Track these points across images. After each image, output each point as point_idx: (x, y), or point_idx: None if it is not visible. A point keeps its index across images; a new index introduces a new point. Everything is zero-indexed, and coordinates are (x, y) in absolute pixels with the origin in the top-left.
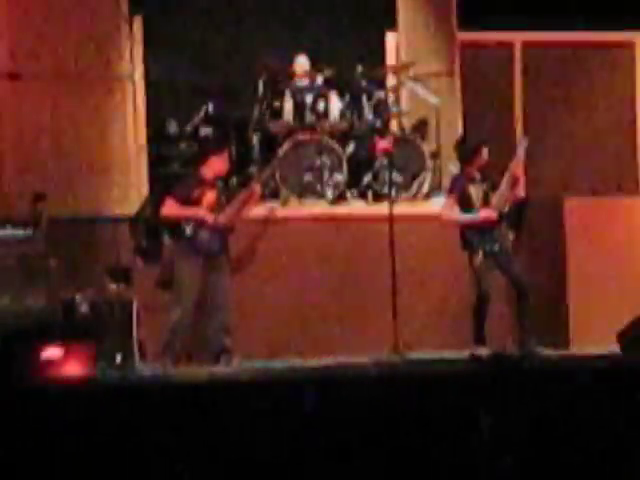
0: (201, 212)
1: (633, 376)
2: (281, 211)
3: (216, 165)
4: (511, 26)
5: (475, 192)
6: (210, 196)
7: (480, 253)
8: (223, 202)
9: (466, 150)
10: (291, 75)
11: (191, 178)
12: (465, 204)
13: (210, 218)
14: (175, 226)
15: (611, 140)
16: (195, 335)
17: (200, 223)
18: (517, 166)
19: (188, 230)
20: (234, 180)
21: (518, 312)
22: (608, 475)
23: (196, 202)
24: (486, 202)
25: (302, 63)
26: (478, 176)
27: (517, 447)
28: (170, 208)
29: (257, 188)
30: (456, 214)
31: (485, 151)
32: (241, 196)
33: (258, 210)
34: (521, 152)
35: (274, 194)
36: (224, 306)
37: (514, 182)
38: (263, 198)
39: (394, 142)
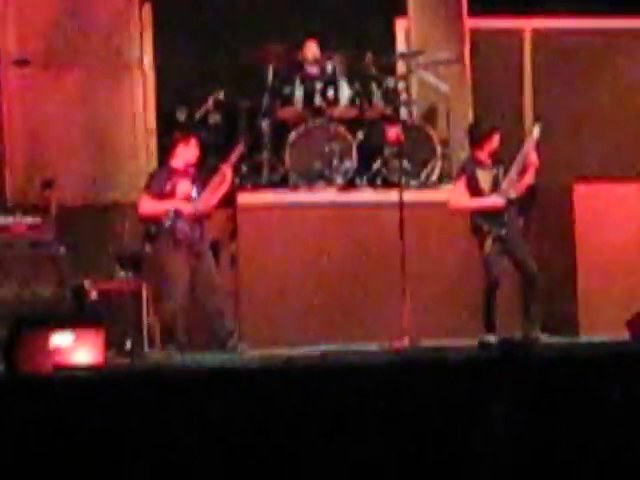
0: (176, 203)
1: None
2: (291, 197)
3: (185, 154)
4: (521, 12)
5: (484, 177)
6: (183, 186)
7: (490, 238)
8: (199, 190)
9: (478, 134)
10: (301, 62)
11: (162, 171)
12: (473, 189)
13: (187, 208)
14: (155, 219)
15: (621, 126)
16: (196, 323)
17: (177, 214)
18: (530, 153)
19: (167, 222)
20: (243, 167)
21: (525, 298)
22: (617, 463)
23: (170, 194)
24: (495, 187)
25: (312, 49)
26: (488, 161)
27: (526, 434)
28: (146, 205)
29: (227, 171)
30: (464, 200)
31: (497, 137)
32: (213, 181)
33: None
34: (533, 138)
35: (283, 180)
36: (215, 291)
37: (525, 168)
38: (237, 181)
39: (404, 129)
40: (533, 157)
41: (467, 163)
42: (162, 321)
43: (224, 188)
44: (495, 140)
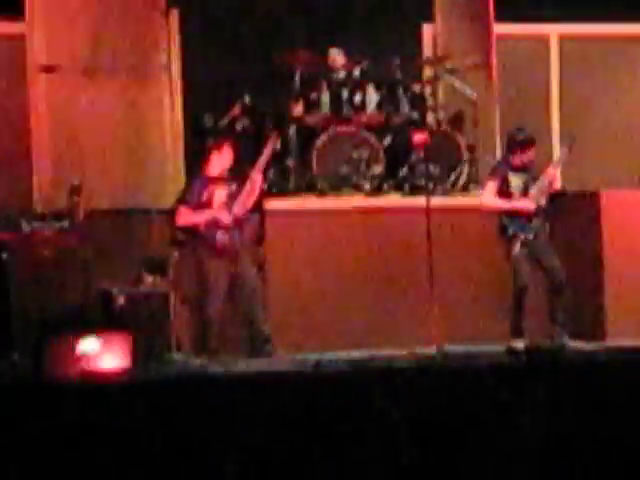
0: (214, 213)
1: None
2: (318, 202)
3: (219, 160)
4: (547, 18)
5: (515, 181)
6: (220, 194)
7: (518, 242)
8: (235, 195)
9: (519, 140)
10: (328, 67)
11: (198, 181)
12: (504, 192)
13: (224, 216)
14: (194, 228)
15: None
16: (232, 328)
17: (216, 223)
18: (557, 165)
19: (206, 232)
20: (271, 172)
21: (551, 304)
22: None
23: (207, 203)
24: (525, 193)
25: (335, 56)
26: (521, 167)
27: (553, 439)
28: (184, 217)
29: (257, 177)
30: (495, 200)
31: (533, 151)
32: (246, 187)
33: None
34: (564, 151)
35: (310, 186)
36: (255, 297)
37: (553, 178)
38: (265, 187)
39: (431, 135)
40: (556, 171)
41: (500, 165)
42: (197, 327)
43: (255, 193)
44: (531, 152)
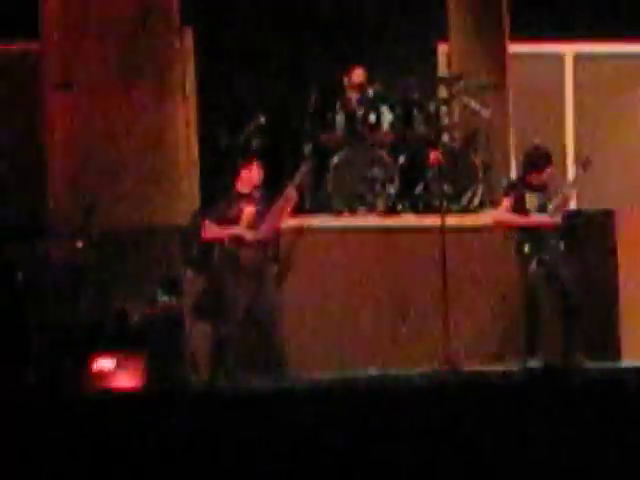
0: (240, 230)
1: None
2: (333, 221)
3: (249, 177)
4: (562, 37)
5: (530, 200)
6: (249, 210)
7: (534, 261)
8: (263, 214)
9: (538, 159)
10: (343, 87)
11: (228, 196)
12: (520, 209)
13: (249, 235)
14: (219, 243)
15: None
16: (246, 348)
17: (241, 240)
18: (573, 184)
19: (230, 247)
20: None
21: (566, 324)
22: None
23: (236, 218)
24: (541, 211)
25: (359, 74)
26: (536, 186)
27: (568, 458)
28: (210, 231)
29: (292, 192)
30: (509, 215)
31: (550, 170)
32: (277, 204)
33: (294, 221)
34: (579, 171)
35: (325, 204)
36: (273, 318)
37: (568, 198)
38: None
39: (445, 154)
40: (570, 196)
41: (517, 183)
42: (212, 345)
43: (289, 209)
44: (548, 172)
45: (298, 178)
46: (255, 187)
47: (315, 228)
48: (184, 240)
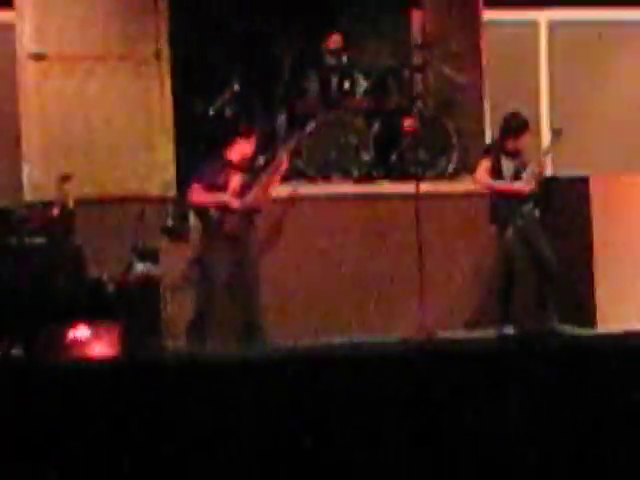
0: (227, 197)
1: None
2: (307, 189)
3: (243, 148)
4: (536, 3)
5: (507, 166)
6: (236, 179)
7: (509, 228)
8: (250, 184)
9: (515, 125)
10: (317, 54)
11: (217, 162)
12: (496, 174)
13: (236, 203)
14: (202, 209)
15: (638, 118)
16: (224, 316)
17: (227, 207)
18: (547, 151)
19: (215, 214)
20: (260, 160)
21: (541, 291)
22: (632, 460)
23: (223, 186)
24: (516, 177)
25: (336, 40)
26: (512, 152)
27: (544, 428)
28: (197, 195)
29: (284, 158)
30: (489, 179)
31: (527, 136)
32: (267, 172)
33: (281, 189)
34: (554, 138)
35: (299, 172)
36: (253, 287)
37: (543, 164)
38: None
39: (420, 121)
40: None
41: (494, 148)
42: (191, 314)
43: (279, 177)
44: (525, 139)
45: (290, 144)
46: (245, 159)
47: (288, 196)
48: (160, 209)
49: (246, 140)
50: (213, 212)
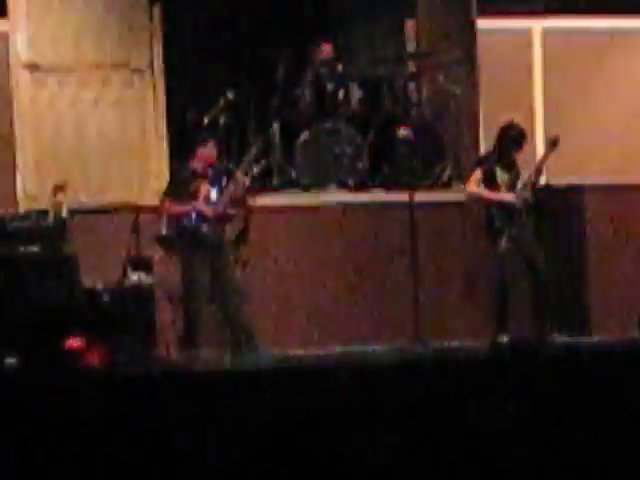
0: (197, 206)
1: None
2: (302, 198)
3: (204, 155)
4: (530, 12)
5: (501, 175)
6: (205, 187)
7: (504, 237)
8: (216, 191)
9: (511, 137)
10: (311, 63)
11: (183, 173)
12: (490, 183)
13: (208, 211)
14: (176, 220)
15: (632, 126)
16: (213, 325)
17: (199, 216)
18: (542, 160)
19: (189, 224)
20: (255, 169)
21: (536, 299)
22: (631, 465)
23: (193, 195)
24: (511, 187)
25: (327, 50)
26: (509, 162)
27: (536, 434)
28: (167, 208)
29: (241, 177)
30: (481, 189)
31: (522, 148)
32: (228, 190)
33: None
34: (549, 147)
35: (293, 181)
36: (235, 293)
37: (537, 175)
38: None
39: (414, 130)
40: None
41: (488, 157)
42: (181, 323)
43: (239, 193)
44: (520, 149)
45: (245, 164)
46: (209, 165)
47: (284, 205)
48: (154, 218)
49: (204, 148)
50: (186, 222)
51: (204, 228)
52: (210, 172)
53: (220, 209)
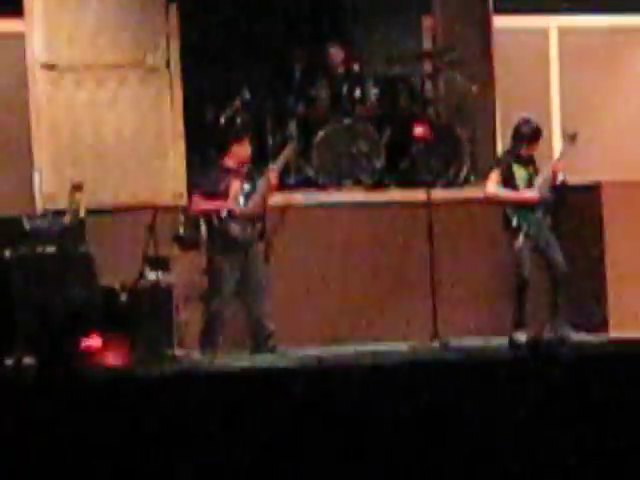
0: (227, 204)
1: None
2: (319, 197)
3: (238, 153)
4: (546, 10)
5: (519, 173)
6: (236, 185)
7: (521, 235)
8: (251, 191)
9: (525, 133)
10: (328, 62)
11: (215, 170)
12: (508, 182)
13: (238, 208)
14: (206, 218)
15: None
16: (235, 323)
17: (229, 214)
18: (560, 157)
19: (217, 222)
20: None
21: (554, 297)
22: None
23: (224, 193)
24: (529, 184)
25: (334, 52)
26: (525, 159)
27: (554, 433)
28: (197, 205)
29: (273, 176)
30: (499, 190)
31: (539, 143)
32: (260, 188)
33: (280, 198)
34: (566, 144)
35: (310, 180)
36: (261, 293)
37: (555, 171)
38: (281, 185)
39: (431, 128)
40: (559, 165)
41: (505, 155)
42: (201, 322)
43: (271, 192)
44: (537, 145)
45: (281, 161)
46: (243, 163)
47: (301, 204)
48: (171, 217)
49: (239, 145)
50: (216, 220)
51: (234, 226)
52: (243, 170)
53: (251, 207)
